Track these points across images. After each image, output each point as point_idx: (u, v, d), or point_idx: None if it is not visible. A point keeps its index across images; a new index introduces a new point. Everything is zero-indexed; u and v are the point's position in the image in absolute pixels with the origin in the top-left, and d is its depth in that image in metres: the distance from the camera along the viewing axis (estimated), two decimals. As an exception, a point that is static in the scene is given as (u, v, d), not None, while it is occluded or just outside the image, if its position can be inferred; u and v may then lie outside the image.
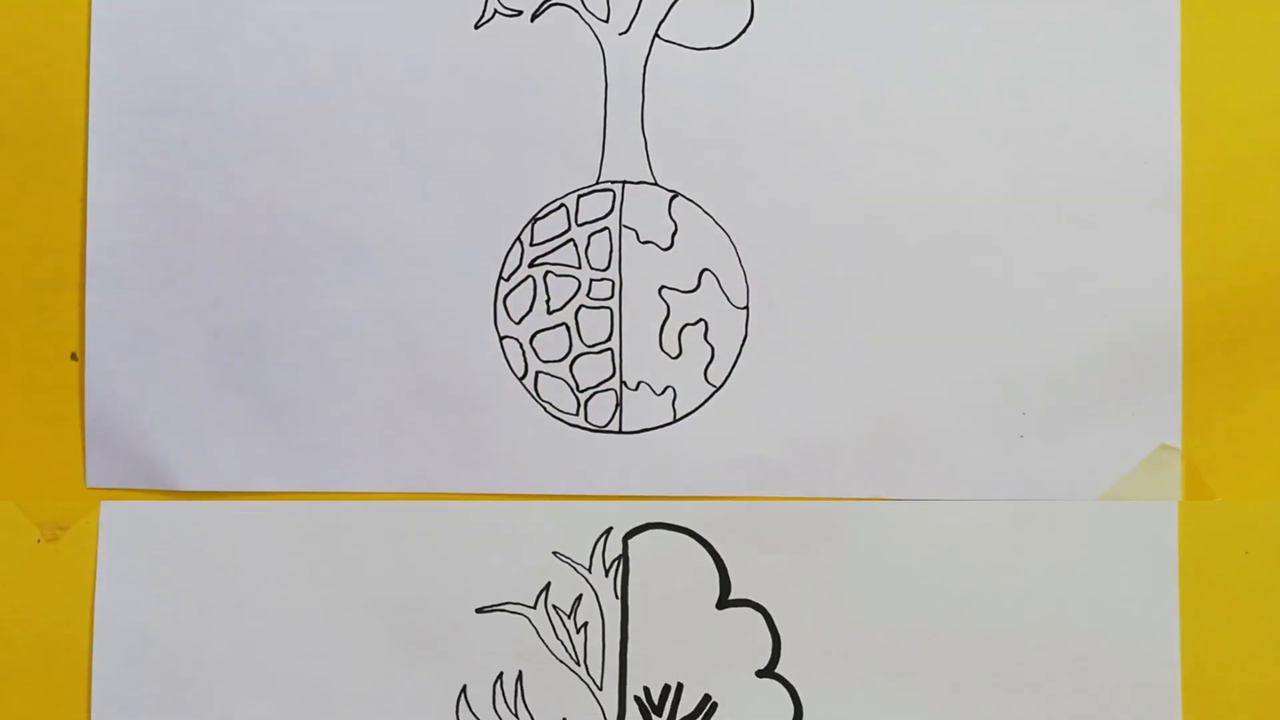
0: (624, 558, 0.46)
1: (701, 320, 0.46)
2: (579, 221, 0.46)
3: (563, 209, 0.46)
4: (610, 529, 0.46)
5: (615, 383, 0.46)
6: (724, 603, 0.46)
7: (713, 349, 0.46)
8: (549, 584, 0.46)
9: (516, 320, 0.46)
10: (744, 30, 0.46)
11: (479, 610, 0.46)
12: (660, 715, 0.46)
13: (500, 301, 0.46)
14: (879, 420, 0.46)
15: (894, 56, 0.46)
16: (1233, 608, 0.46)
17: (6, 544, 0.46)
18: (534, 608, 0.46)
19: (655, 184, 0.46)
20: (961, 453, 0.46)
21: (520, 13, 0.46)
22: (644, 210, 0.46)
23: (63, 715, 0.46)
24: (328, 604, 0.46)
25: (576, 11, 0.46)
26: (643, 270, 0.46)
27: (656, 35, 0.46)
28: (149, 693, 0.46)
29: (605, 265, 0.46)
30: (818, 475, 0.46)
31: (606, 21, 0.46)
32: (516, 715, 0.46)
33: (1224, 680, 0.46)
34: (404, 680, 0.46)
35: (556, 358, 0.46)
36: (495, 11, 0.46)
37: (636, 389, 0.46)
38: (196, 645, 0.46)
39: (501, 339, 0.46)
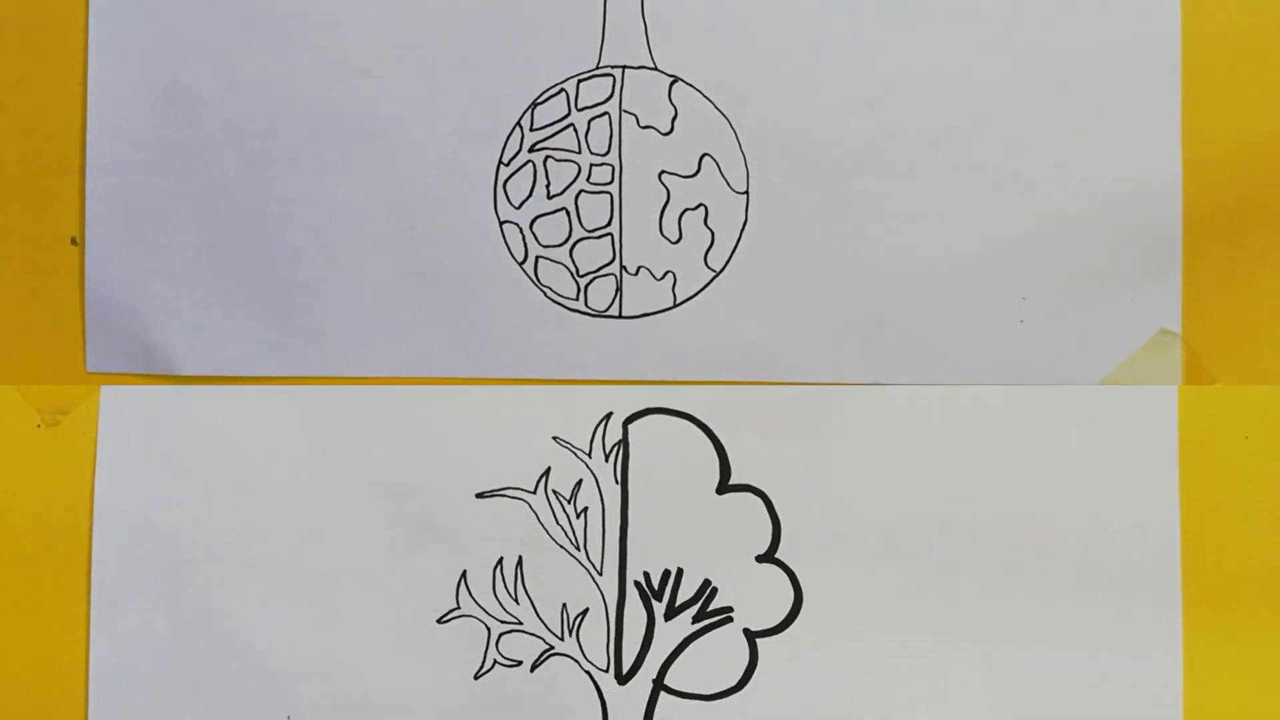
0: (624, 442, 0.46)
1: (701, 205, 0.46)
2: (579, 106, 0.46)
3: (563, 94, 0.46)
4: (610, 414, 0.46)
5: (615, 267, 0.46)
6: (724, 488, 0.46)
7: (713, 234, 0.46)
8: (549, 469, 0.46)
9: (516, 205, 0.46)
10: (744, -85, 0.46)
11: (479, 495, 0.46)
12: (660, 600, 0.46)
13: (500, 186, 0.46)
14: (879, 305, 0.46)
15: (894, -58, 0.46)
16: (1232, 492, 0.46)
17: (6, 429, 0.46)
18: (534, 493, 0.46)
19: (655, 69, 0.46)
20: (961, 337, 0.46)
21: (520, -102, 0.46)
22: (644, 95, 0.46)
23: (62, 599, 0.46)
24: (328, 489, 0.46)
25: (576, -104, 0.46)
26: (643, 155, 0.46)
27: (656, -80, 0.46)
28: (148, 577, 0.46)
29: (605, 150, 0.46)
30: (818, 360, 0.46)
31: (606, -94, 0.46)
32: (516, 600, 0.46)
33: (1224, 564, 0.46)
34: (404, 565, 0.46)
35: (556, 242, 0.46)
36: (495, -104, 0.46)
37: (636, 274, 0.46)
38: (196, 530, 0.46)
39: (501, 224, 0.46)
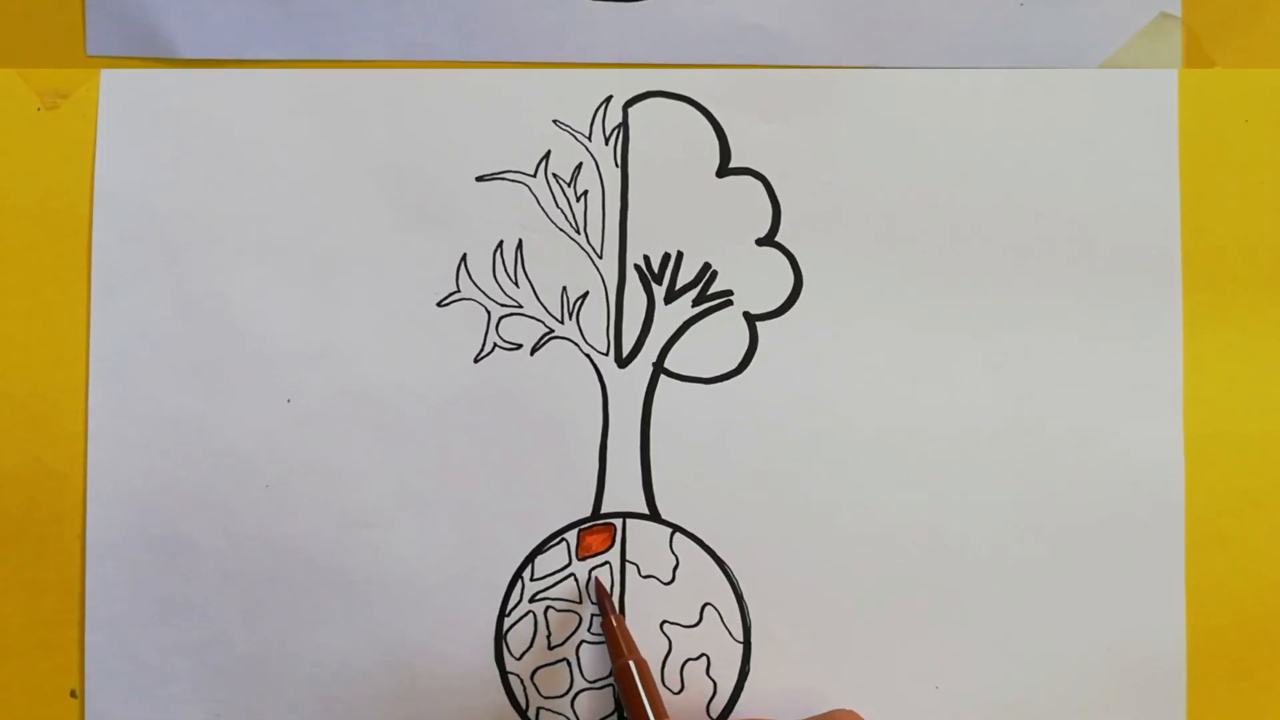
0: (624, 126, 0.46)
1: (702, -112, 0.46)
2: None
3: None
4: (610, 97, 0.46)
5: (615, -50, 0.46)
6: (724, 171, 0.46)
7: (713, -83, 0.46)
8: (549, 152, 0.46)
9: (517, -112, 0.46)
10: None
11: (479, 178, 0.46)
12: (660, 283, 0.46)
13: None
14: (879, -12, 0.46)
15: None
16: (1232, 175, 0.46)
17: (6, 113, 0.46)
18: (534, 176, 0.46)
19: None
20: (961, 19, 0.46)
21: None
22: None
23: (63, 283, 0.46)
24: (328, 172, 0.46)
25: None
26: None
27: None
28: (148, 261, 0.46)
29: None
30: (818, 42, 0.46)
31: None
32: (516, 283, 0.46)
33: (1223, 247, 0.46)
34: (404, 248, 0.46)
35: (557, -74, 0.46)
36: None
37: (636, -44, 0.46)
38: (196, 212, 0.46)
39: (502, -93, 0.46)
